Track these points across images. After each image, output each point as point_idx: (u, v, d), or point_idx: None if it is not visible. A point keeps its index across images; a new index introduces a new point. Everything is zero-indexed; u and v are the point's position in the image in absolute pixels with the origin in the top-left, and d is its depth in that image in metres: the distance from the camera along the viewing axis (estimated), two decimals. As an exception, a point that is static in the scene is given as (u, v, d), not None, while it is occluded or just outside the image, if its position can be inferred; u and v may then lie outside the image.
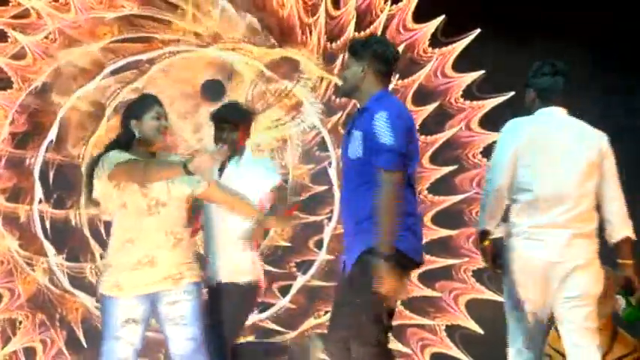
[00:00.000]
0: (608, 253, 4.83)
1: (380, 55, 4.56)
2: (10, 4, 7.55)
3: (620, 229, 4.77)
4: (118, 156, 4.69)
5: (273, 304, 7.54)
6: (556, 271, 4.63)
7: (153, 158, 4.81)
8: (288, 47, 7.59)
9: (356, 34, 7.48)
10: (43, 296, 7.59)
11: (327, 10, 7.55)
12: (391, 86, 7.15)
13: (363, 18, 7.55)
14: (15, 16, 7.56)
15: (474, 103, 7.45)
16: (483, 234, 4.80)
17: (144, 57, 7.59)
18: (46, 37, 7.56)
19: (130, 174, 4.67)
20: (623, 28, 7.13)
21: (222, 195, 5.02)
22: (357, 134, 4.48)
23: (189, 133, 7.53)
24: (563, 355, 5.31)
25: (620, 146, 4.92)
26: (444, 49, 7.47)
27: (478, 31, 7.31)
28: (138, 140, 4.80)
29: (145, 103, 4.90)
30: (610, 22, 7.10)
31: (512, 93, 7.17)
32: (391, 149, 4.34)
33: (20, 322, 7.57)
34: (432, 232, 7.37)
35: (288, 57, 7.60)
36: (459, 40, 7.41)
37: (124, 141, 4.83)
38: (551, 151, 4.69)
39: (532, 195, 4.67)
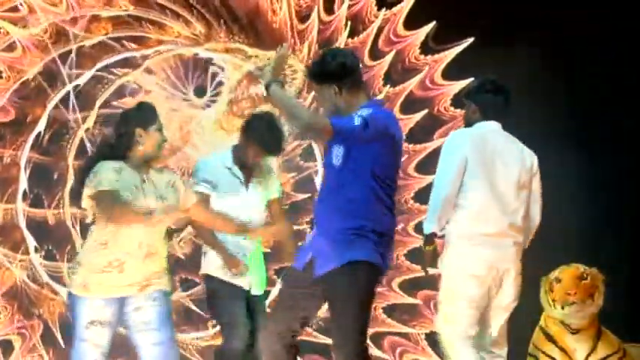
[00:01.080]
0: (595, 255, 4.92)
1: (343, 69, 4.44)
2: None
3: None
4: (108, 177, 4.69)
5: None
6: (494, 276, 4.94)
7: (145, 174, 4.82)
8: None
9: (349, 40, 7.50)
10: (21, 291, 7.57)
11: (319, 17, 7.57)
12: (382, 94, 7.41)
13: (355, 24, 7.56)
14: (8, 9, 7.53)
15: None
16: (429, 238, 5.00)
17: (137, 54, 7.58)
18: (45, 32, 7.53)
19: (103, 208, 4.70)
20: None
21: (204, 214, 5.11)
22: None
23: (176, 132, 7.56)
24: (549, 357, 5.37)
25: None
26: (436, 56, 7.48)
27: (471, 40, 7.32)
28: (137, 151, 4.80)
29: (150, 112, 4.87)
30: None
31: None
32: (348, 122, 4.29)
33: None
34: (416, 240, 7.37)
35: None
36: (450, 48, 7.43)
37: (122, 149, 4.81)
38: (493, 163, 4.95)
39: (474, 203, 4.91)
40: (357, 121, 4.28)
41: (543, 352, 5.52)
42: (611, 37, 7.16)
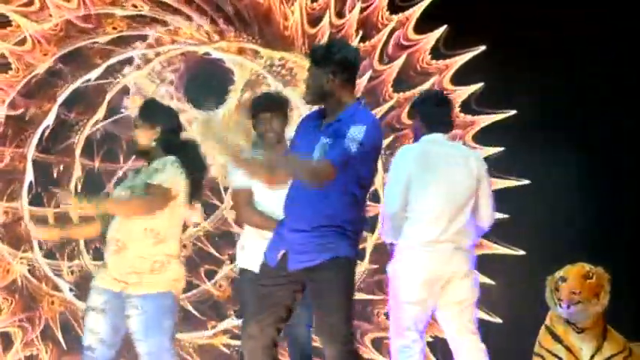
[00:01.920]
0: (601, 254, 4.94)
1: (345, 62, 4.46)
2: None
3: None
4: None
5: None
6: (439, 281, 5.13)
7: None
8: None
9: (361, 44, 7.51)
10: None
11: (330, 21, 7.59)
12: (393, 101, 7.46)
13: (366, 28, 7.56)
14: (22, 4, 7.58)
15: (469, 117, 7.44)
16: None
17: (149, 52, 7.62)
18: (56, 27, 7.57)
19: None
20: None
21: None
22: (327, 141, 4.38)
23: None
24: (555, 356, 5.38)
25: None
26: (447, 60, 7.47)
27: (483, 47, 7.33)
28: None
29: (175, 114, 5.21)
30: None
31: (514, 112, 7.25)
32: (347, 153, 4.28)
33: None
34: None
35: (285, 60, 7.64)
36: (461, 54, 7.41)
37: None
38: (437, 174, 5.18)
39: (420, 213, 5.15)
40: (354, 148, 4.29)
41: (549, 352, 5.54)
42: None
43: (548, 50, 7.16)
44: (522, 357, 5.68)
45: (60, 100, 7.54)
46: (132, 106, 7.51)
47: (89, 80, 7.54)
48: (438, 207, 5.14)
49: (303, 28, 7.60)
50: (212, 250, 7.47)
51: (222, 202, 7.42)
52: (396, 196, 5.18)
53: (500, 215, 7.07)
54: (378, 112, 7.40)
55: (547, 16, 7.07)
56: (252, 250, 5.25)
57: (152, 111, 5.17)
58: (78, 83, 7.53)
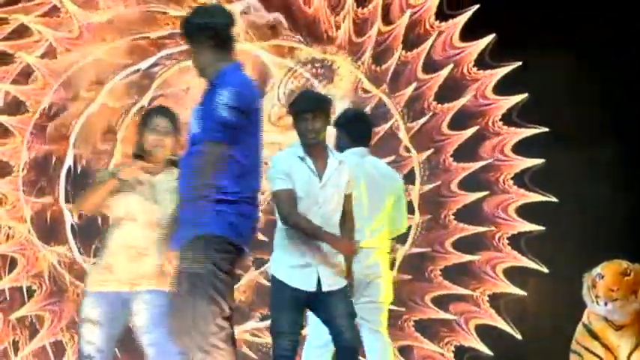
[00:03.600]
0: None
1: (207, 28, 4.47)
2: (7, 24, 7.72)
3: None
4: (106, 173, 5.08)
5: None
6: (361, 279, 5.47)
7: (153, 173, 4.99)
8: (317, 46, 7.71)
9: (404, 52, 7.59)
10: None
11: (378, 28, 7.64)
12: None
13: (412, 34, 7.63)
14: (41, 14, 7.74)
15: (485, 71, 7.48)
16: None
17: (176, 50, 7.71)
18: (76, 38, 7.71)
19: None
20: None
21: None
22: (198, 110, 4.43)
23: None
24: (593, 353, 5.35)
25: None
26: (448, 22, 7.52)
27: (519, 63, 7.36)
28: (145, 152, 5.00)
29: (148, 114, 5.13)
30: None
31: (547, 130, 7.27)
32: (220, 122, 4.30)
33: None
34: (454, 257, 7.42)
35: (318, 56, 7.71)
36: (503, 66, 7.46)
37: (136, 152, 5.06)
38: (362, 184, 5.54)
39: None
40: (221, 114, 4.31)
41: (586, 349, 5.48)
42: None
43: (589, 63, 7.19)
44: (559, 355, 5.68)
45: (107, 87, 7.68)
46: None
47: (139, 70, 7.70)
48: (366, 214, 5.53)
49: (350, 37, 7.67)
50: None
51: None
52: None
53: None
54: (419, 123, 7.48)
55: (596, 26, 7.15)
56: (279, 256, 5.29)
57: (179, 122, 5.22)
58: (114, 80, 7.69)
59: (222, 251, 4.37)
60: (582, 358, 5.51)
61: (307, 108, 5.21)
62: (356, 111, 6.22)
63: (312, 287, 5.13)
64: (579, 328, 5.57)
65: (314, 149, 5.20)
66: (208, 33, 4.46)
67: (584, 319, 5.56)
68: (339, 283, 5.20)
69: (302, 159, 5.20)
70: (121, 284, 4.91)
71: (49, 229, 7.69)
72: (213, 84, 4.41)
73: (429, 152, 7.50)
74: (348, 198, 5.29)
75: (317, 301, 5.17)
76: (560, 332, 6.18)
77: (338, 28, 7.65)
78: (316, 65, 7.68)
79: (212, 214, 4.34)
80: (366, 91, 7.63)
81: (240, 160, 4.38)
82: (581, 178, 7.11)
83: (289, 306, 5.14)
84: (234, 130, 4.32)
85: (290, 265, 5.16)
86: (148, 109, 5.31)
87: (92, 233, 7.32)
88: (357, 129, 5.77)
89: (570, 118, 7.16)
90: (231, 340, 4.40)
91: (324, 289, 5.14)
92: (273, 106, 7.66)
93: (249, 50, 7.65)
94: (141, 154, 5.02)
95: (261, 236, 7.24)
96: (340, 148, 5.68)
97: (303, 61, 7.69)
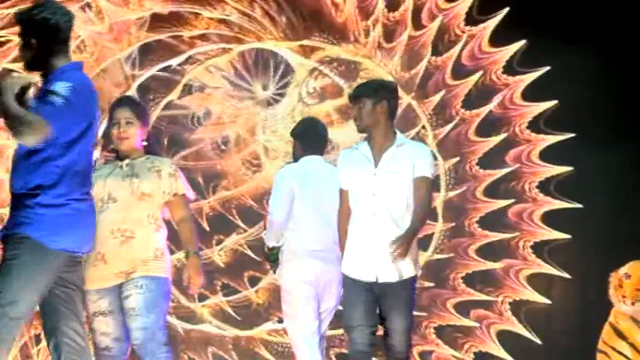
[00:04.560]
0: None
1: (42, 27, 4.36)
2: None
3: None
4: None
5: None
6: (321, 283, 5.76)
7: (124, 167, 5.03)
8: (343, 45, 7.73)
9: (433, 57, 7.59)
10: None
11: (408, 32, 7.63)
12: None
13: (441, 39, 7.62)
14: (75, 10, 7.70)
15: (514, 77, 7.43)
16: (270, 250, 5.94)
17: (201, 50, 7.78)
18: (80, 50, 7.74)
19: None
20: None
21: (182, 212, 5.12)
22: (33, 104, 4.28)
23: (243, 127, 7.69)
24: (620, 353, 5.34)
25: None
26: (477, 27, 7.49)
27: (507, 9, 7.34)
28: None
29: (111, 107, 5.17)
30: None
31: (574, 135, 7.24)
32: (55, 108, 4.20)
33: None
34: (478, 264, 7.42)
35: (342, 56, 7.73)
36: (492, 18, 7.43)
37: (114, 149, 5.17)
38: (317, 191, 5.79)
39: (301, 225, 5.79)
40: (60, 101, 4.22)
41: (613, 349, 5.49)
42: None
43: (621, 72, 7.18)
44: (586, 354, 5.66)
45: (137, 82, 7.77)
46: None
47: (170, 66, 7.76)
48: (322, 220, 5.76)
49: (380, 42, 7.68)
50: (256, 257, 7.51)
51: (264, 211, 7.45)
52: (277, 206, 5.84)
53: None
54: (445, 130, 7.47)
55: (627, 32, 7.14)
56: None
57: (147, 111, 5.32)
58: (133, 87, 7.75)
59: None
60: (609, 358, 5.49)
61: (354, 96, 5.45)
62: (310, 120, 6.40)
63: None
64: (606, 327, 5.58)
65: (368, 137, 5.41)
66: (50, 29, 4.38)
67: (611, 318, 5.57)
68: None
69: (356, 148, 5.46)
70: (118, 277, 4.91)
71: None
72: (49, 80, 4.36)
73: (454, 160, 7.49)
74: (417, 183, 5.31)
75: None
76: (583, 340, 6.18)
77: (367, 33, 7.65)
78: (341, 65, 7.70)
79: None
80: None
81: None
82: (608, 185, 7.05)
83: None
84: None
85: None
86: (112, 103, 5.28)
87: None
88: (310, 138, 6.01)
89: (598, 125, 7.11)
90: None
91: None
92: (296, 105, 7.71)
93: (272, 49, 7.73)
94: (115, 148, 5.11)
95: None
96: (295, 156, 6.01)
97: (327, 60, 7.70)
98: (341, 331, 7.19)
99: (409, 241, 5.21)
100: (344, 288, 5.46)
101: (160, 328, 4.92)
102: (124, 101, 5.23)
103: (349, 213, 5.42)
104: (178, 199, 5.07)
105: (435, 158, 7.27)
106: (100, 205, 4.86)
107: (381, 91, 5.41)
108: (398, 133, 5.45)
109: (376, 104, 5.35)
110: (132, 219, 4.93)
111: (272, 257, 5.91)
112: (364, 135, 5.46)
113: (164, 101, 7.69)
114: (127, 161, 5.03)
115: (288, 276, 5.82)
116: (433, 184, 5.54)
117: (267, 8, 7.76)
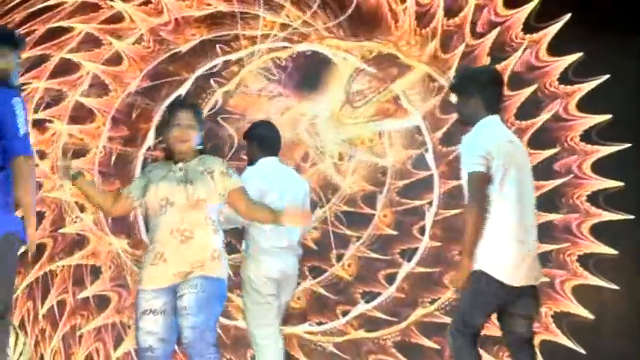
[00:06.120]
0: None
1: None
2: (102, 9, 7.98)
3: None
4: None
5: (380, 294, 7.60)
6: (283, 280, 6.07)
7: (178, 171, 5.14)
8: (380, 39, 7.76)
9: (445, 19, 7.61)
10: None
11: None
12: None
13: (453, 4, 7.66)
14: (106, 21, 8.00)
15: (569, 87, 7.37)
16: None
17: (233, 57, 7.91)
18: (138, 43, 7.94)
19: None
20: None
21: (244, 202, 5.21)
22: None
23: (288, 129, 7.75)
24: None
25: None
26: (535, 35, 7.45)
27: (568, 16, 7.30)
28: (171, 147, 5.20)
29: (168, 111, 5.29)
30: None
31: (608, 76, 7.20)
32: (27, 136, 4.59)
33: (129, 327, 7.81)
34: None
35: (382, 51, 7.77)
36: (550, 25, 7.39)
37: (166, 150, 5.28)
38: (281, 191, 6.05)
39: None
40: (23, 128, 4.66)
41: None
42: None
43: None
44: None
45: (157, 117, 7.86)
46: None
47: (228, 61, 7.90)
48: None
49: (437, 53, 7.71)
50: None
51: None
52: None
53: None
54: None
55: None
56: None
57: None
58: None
59: None
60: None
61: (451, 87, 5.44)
62: (268, 123, 6.60)
63: None
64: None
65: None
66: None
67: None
68: None
69: None
70: (176, 277, 5.01)
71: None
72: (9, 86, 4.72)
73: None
74: None
75: None
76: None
77: (424, 43, 7.68)
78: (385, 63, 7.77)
79: None
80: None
81: None
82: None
83: None
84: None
85: None
86: (171, 103, 5.39)
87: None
88: (270, 140, 6.29)
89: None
90: None
91: None
92: (341, 103, 7.80)
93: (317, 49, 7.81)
94: (169, 149, 5.20)
95: (312, 245, 7.46)
96: (250, 158, 6.25)
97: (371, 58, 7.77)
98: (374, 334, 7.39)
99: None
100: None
101: (210, 329, 4.97)
102: (187, 105, 5.36)
103: None
104: (236, 194, 5.16)
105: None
106: (158, 208, 5.05)
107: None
108: None
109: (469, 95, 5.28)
110: (190, 221, 5.03)
111: None
112: None
113: (211, 101, 7.82)
114: (180, 165, 5.14)
115: (253, 272, 6.03)
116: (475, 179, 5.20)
117: (325, 19, 7.85)
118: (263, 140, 6.24)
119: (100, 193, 5.27)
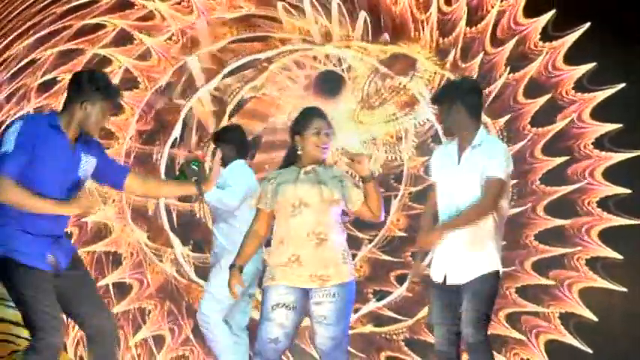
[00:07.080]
0: None
1: None
2: (135, 7, 8.18)
3: None
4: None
5: (390, 293, 7.76)
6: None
7: (309, 173, 5.18)
8: (401, 43, 7.88)
9: (467, 29, 7.71)
10: (171, 286, 8.05)
11: (438, 7, 7.77)
12: (502, 80, 7.53)
13: (474, 13, 7.72)
14: (140, 19, 8.20)
15: (585, 95, 7.45)
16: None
17: (262, 56, 8.07)
18: (169, 39, 8.14)
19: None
20: None
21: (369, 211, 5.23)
22: None
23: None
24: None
25: None
26: (554, 42, 7.52)
27: (588, 25, 7.37)
28: (300, 155, 5.20)
29: (305, 117, 5.27)
30: None
31: (623, 85, 7.30)
32: (6, 155, 4.51)
33: (149, 312, 8.01)
34: (544, 222, 7.49)
35: (402, 53, 7.88)
36: (569, 34, 7.46)
37: (288, 156, 5.30)
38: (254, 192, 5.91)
39: (245, 224, 5.76)
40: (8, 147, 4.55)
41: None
42: None
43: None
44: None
45: (184, 111, 8.15)
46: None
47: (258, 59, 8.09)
48: None
49: (412, 12, 7.84)
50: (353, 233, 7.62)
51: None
52: (240, 199, 6.48)
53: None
54: (514, 148, 7.50)
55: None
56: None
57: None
58: (200, 93, 8.14)
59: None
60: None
61: (435, 101, 5.59)
62: (238, 126, 7.06)
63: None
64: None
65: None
66: None
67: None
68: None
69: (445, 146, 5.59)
70: (312, 280, 5.08)
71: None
72: None
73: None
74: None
75: None
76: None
77: (446, 52, 7.80)
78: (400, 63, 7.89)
79: None
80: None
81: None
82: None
83: None
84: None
85: None
86: (304, 110, 5.43)
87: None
88: (243, 143, 6.80)
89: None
90: None
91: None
92: (357, 105, 7.94)
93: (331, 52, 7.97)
94: (293, 158, 5.26)
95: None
96: (224, 161, 6.37)
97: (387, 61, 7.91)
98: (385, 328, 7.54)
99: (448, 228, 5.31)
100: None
101: (346, 335, 5.10)
102: (324, 113, 5.33)
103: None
104: (364, 207, 5.19)
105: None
106: (291, 210, 5.11)
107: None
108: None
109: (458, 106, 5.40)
110: (324, 223, 5.10)
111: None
112: None
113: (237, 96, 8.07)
114: (308, 167, 5.20)
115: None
116: (503, 187, 5.33)
117: (348, 26, 8.01)
118: (238, 143, 6.72)
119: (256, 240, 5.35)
